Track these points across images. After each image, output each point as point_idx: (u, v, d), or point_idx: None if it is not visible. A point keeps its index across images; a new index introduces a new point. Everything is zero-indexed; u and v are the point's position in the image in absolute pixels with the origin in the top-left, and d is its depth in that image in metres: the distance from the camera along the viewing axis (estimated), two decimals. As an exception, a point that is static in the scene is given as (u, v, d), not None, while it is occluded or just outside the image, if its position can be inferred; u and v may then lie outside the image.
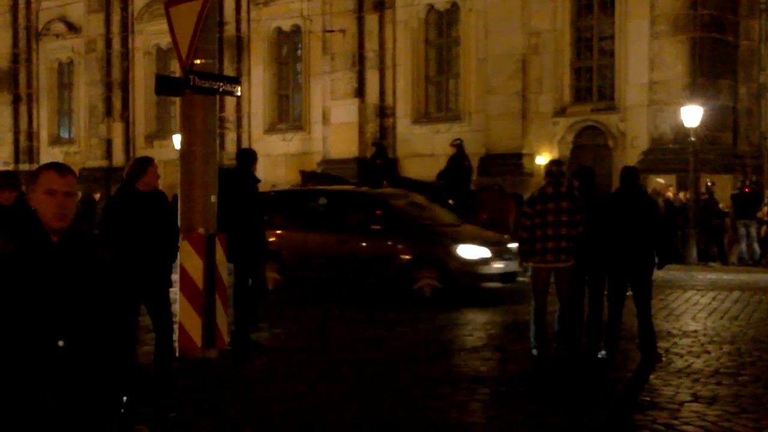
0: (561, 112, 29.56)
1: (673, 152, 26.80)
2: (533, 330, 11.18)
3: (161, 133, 38.24)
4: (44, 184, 3.76)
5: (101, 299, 3.77)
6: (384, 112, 32.77)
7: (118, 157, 39.64)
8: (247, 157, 11.58)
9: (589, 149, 28.50)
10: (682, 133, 25.77)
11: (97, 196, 32.66)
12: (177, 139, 32.82)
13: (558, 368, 10.57)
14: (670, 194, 25.41)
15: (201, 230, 10.43)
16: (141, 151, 39.26)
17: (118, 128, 39.82)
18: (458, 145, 22.45)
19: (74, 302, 3.67)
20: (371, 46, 32.67)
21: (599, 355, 10.87)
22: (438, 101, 33.02)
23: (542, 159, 28.37)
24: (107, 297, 3.81)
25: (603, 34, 29.42)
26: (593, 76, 29.69)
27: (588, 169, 12.37)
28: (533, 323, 11.18)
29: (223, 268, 10.62)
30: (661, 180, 26.30)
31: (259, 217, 11.62)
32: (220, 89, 10.85)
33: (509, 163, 29.25)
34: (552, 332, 11.33)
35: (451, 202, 20.45)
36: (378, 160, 22.54)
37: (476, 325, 13.87)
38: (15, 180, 8.13)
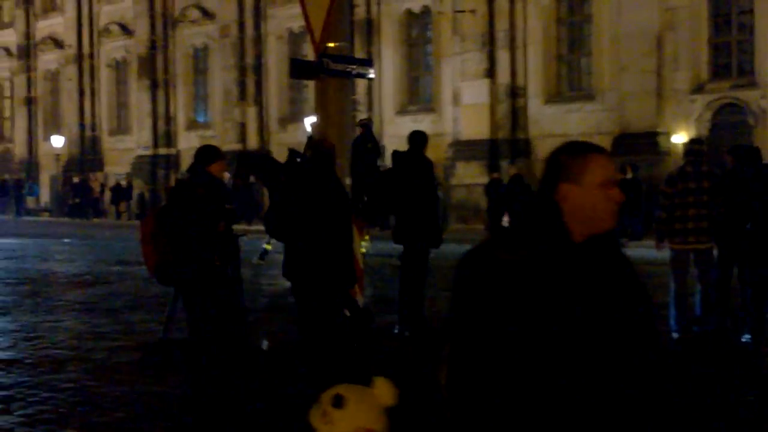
0: (698, 89, 28.81)
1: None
2: (673, 313, 10.89)
3: (294, 116, 38.66)
4: (597, 173, 2.85)
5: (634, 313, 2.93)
6: (515, 92, 32.47)
7: (252, 141, 40.28)
8: (420, 139, 11.37)
9: (727, 127, 27.70)
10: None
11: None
12: (309, 122, 33.30)
13: (700, 351, 10.31)
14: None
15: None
16: (274, 134, 39.82)
17: (251, 112, 40.43)
18: (365, 125, 20.78)
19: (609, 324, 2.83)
20: (502, 25, 32.37)
21: (743, 339, 10.55)
22: (570, 80, 32.55)
23: (679, 138, 27.73)
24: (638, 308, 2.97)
25: (742, 8, 28.53)
26: (732, 52, 28.84)
27: (752, 149, 11.86)
28: (673, 306, 10.90)
29: (359, 251, 10.63)
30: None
31: (434, 200, 11.47)
32: (354, 72, 10.86)
33: (644, 142, 28.65)
34: (693, 315, 11.05)
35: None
36: (369, 144, 20.00)
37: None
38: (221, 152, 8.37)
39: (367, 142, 19.76)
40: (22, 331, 11.83)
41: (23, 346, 10.82)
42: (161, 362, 9.63)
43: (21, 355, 10.22)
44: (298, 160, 20.47)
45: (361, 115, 35.36)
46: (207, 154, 8.27)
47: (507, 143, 32.34)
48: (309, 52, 33.28)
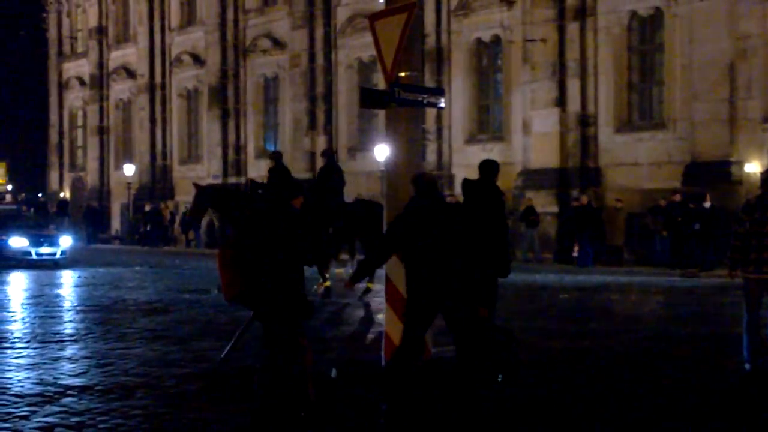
0: (772, 118, 28.39)
1: None
2: (745, 344, 10.68)
3: (363, 145, 38.81)
4: None
5: None
6: (585, 121, 32.25)
7: (321, 169, 40.46)
8: (491, 168, 11.29)
9: (803, 156, 27.25)
10: None
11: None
12: (378, 151, 33.41)
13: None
14: None
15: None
16: (344, 163, 39.96)
17: (321, 141, 40.64)
18: (329, 156, 20.58)
19: None
20: (572, 54, 32.23)
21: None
22: (641, 109, 32.25)
23: (752, 167, 27.31)
24: None
25: (817, 36, 28.08)
26: (806, 80, 28.37)
27: None
28: (745, 337, 10.69)
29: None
30: None
31: (503, 229, 11.38)
32: (425, 101, 10.84)
33: (716, 171, 28.25)
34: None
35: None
36: (335, 174, 19.71)
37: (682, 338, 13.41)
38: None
39: (333, 172, 19.64)
40: (94, 358, 11.95)
41: (94, 372, 10.92)
42: (229, 389, 9.66)
43: (92, 382, 10.32)
44: (260, 191, 20.45)
45: (431, 144, 35.40)
46: (292, 188, 8.51)
47: (577, 172, 32.12)
48: (378, 82, 33.44)
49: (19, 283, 23.95)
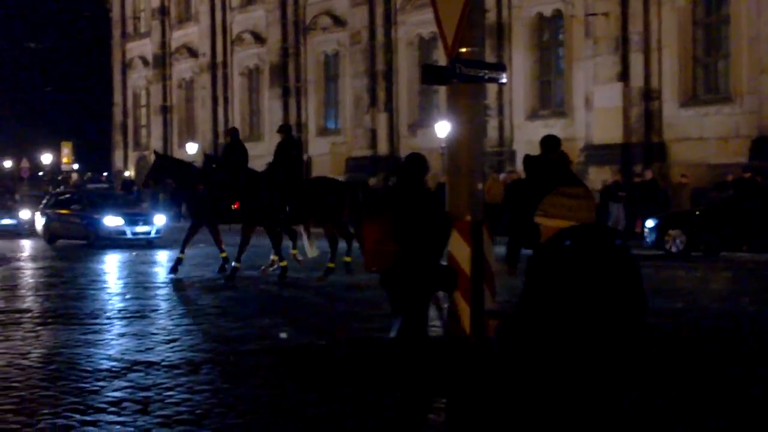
0: (842, 90, 27.89)
1: None
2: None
3: (424, 122, 38.75)
4: None
5: None
6: (649, 95, 31.91)
7: (383, 147, 40.53)
8: (553, 144, 11.22)
9: None
10: None
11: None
12: (439, 128, 33.34)
13: None
14: None
15: (468, 217, 10.43)
16: (404, 140, 39.98)
17: (382, 118, 40.68)
18: (285, 131, 20.03)
19: None
20: (635, 28, 31.86)
21: None
22: (706, 83, 31.84)
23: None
24: None
25: None
26: None
27: None
28: None
29: (491, 255, 10.59)
30: None
31: None
32: (486, 77, 10.81)
33: (785, 145, 27.84)
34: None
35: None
36: (292, 150, 19.48)
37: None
38: None
39: (290, 148, 19.43)
40: (160, 335, 12.13)
41: (161, 348, 11.09)
42: (290, 366, 9.76)
43: (159, 358, 10.48)
44: (214, 166, 20.36)
45: (491, 120, 35.25)
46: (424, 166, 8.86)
47: (640, 147, 31.81)
48: (439, 58, 33.32)
49: (108, 262, 24.32)
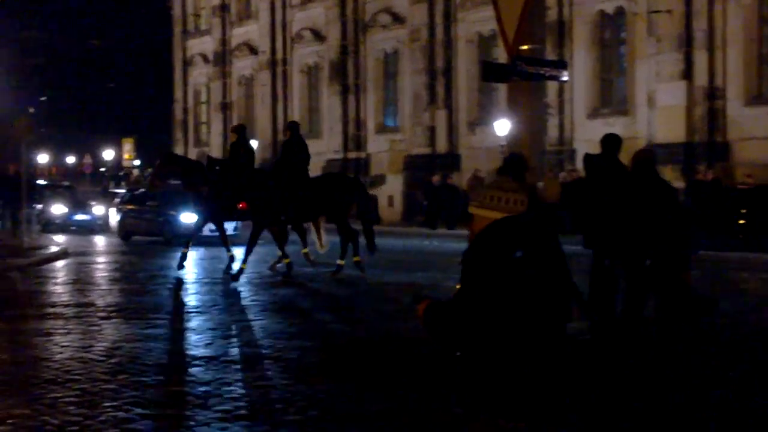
0: None
1: None
2: None
3: (483, 120, 38.61)
4: None
5: None
6: (713, 93, 31.51)
7: (441, 144, 40.47)
8: (613, 142, 11.10)
9: None
10: None
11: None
12: (498, 126, 33.25)
13: None
14: None
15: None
16: (463, 138, 39.92)
17: (441, 116, 40.61)
18: (292, 128, 19.94)
19: None
20: (700, 25, 31.47)
21: None
22: (773, 81, 31.37)
23: None
24: None
25: None
26: None
27: None
28: None
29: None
30: None
31: (630, 204, 11.18)
32: (547, 74, 10.79)
33: None
34: None
35: None
36: (242, 149, 19.40)
37: None
38: None
39: (296, 146, 19.32)
40: (218, 330, 12.25)
41: (219, 344, 11.19)
42: (347, 363, 9.79)
43: (217, 353, 10.58)
44: (217, 168, 20.26)
45: (552, 118, 35.06)
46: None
47: (704, 146, 31.43)
48: (499, 56, 33.18)
49: (177, 259, 24.60)
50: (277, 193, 18.47)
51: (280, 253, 19.22)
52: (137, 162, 68.04)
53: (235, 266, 18.74)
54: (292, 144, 19.35)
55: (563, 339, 4.48)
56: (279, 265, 19.34)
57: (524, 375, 4.31)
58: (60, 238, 30.62)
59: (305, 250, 20.06)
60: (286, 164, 19.05)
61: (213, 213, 19.51)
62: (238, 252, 19.64)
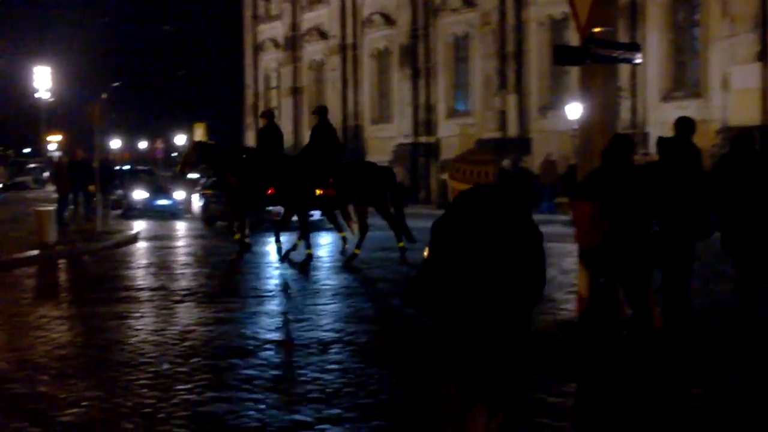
0: None
1: None
2: None
3: (555, 104, 38.32)
4: None
5: None
6: (790, 76, 30.92)
7: (512, 129, 40.23)
8: (687, 125, 10.94)
9: None
10: None
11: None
12: (570, 110, 32.96)
13: None
14: None
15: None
16: (534, 122, 39.64)
17: (511, 100, 40.36)
18: (320, 113, 19.46)
19: None
20: (776, 6, 30.89)
21: None
22: None
23: None
24: None
25: None
26: None
27: None
28: None
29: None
30: None
31: (700, 189, 11.04)
32: (620, 57, 10.63)
33: None
34: None
35: None
36: (324, 133, 19.01)
37: None
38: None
39: (325, 131, 19.05)
40: (290, 314, 12.33)
41: (291, 328, 11.27)
42: (415, 347, 9.79)
43: (290, 337, 10.65)
44: (244, 156, 20.01)
45: (624, 102, 34.66)
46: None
47: (780, 130, 30.87)
48: (570, 39, 32.91)
49: (256, 244, 24.77)
50: (303, 180, 18.42)
51: (298, 242, 19.26)
52: (209, 147, 68.76)
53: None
54: (320, 129, 19.13)
55: (523, 314, 4.73)
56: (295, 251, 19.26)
57: (478, 342, 4.60)
58: (140, 224, 30.65)
59: (342, 234, 20.02)
60: (314, 150, 18.92)
61: (243, 201, 19.37)
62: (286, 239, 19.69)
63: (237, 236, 19.57)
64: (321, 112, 19.51)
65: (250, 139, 59.50)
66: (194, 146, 21.02)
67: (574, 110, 30.29)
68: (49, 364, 9.36)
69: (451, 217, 4.67)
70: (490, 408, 4.77)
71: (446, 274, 4.56)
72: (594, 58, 10.29)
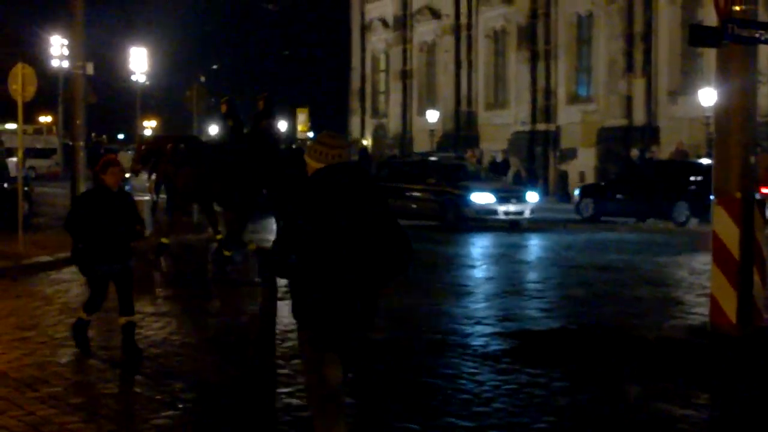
0: None
1: None
2: None
3: (686, 89, 37.68)
4: None
5: None
6: None
7: (639, 115, 39.66)
8: None
9: None
10: None
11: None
12: (703, 95, 32.37)
13: None
14: None
15: (737, 194, 10.11)
16: (663, 108, 39.03)
17: (639, 84, 39.77)
18: (228, 101, 19.34)
19: None
20: None
21: None
22: None
23: None
24: None
25: None
26: None
27: None
28: None
29: (762, 238, 10.24)
30: None
31: None
32: (762, 38, 10.41)
33: None
34: None
35: None
36: (230, 122, 18.93)
37: None
38: None
39: (227, 119, 19.00)
40: (399, 313, 12.35)
41: (398, 327, 11.27)
42: (537, 351, 9.75)
43: (395, 336, 10.66)
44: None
45: (763, 87, 33.88)
46: None
47: None
48: (704, 18, 32.29)
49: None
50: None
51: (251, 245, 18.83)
52: (311, 134, 69.06)
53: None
54: (225, 117, 19.29)
55: (373, 275, 5.41)
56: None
57: (322, 299, 5.34)
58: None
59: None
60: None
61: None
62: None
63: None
64: (229, 101, 19.55)
65: (355, 126, 59.76)
66: (138, 141, 20.67)
67: (708, 96, 29.77)
68: (143, 364, 9.51)
69: (303, 190, 5.47)
70: (341, 356, 5.50)
71: (298, 238, 5.33)
72: (733, 38, 10.10)
